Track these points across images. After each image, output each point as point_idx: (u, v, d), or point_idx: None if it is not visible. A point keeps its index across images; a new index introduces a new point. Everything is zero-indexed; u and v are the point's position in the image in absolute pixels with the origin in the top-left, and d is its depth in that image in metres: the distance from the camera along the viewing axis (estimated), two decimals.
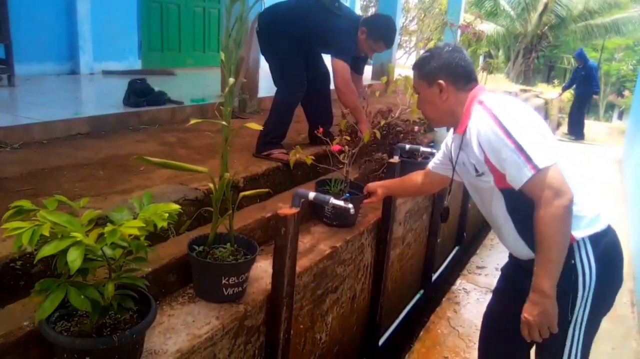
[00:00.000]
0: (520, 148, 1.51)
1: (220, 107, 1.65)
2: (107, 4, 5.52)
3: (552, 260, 1.53)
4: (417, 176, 2.22)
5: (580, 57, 10.65)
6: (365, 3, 16.28)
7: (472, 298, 3.62)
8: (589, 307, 1.61)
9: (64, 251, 1.04)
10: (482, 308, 3.45)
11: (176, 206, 1.21)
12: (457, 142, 1.77)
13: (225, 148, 1.63)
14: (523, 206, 1.61)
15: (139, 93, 3.81)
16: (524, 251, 1.70)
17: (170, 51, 6.82)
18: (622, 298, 3.80)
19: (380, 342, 3.16)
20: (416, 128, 2.88)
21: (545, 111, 9.70)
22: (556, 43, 19.79)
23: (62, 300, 1.15)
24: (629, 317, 3.53)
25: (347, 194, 2.14)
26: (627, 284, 4.03)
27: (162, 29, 6.70)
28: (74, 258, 1.02)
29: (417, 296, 3.83)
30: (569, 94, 12.37)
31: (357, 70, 3.42)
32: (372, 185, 2.30)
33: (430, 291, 3.95)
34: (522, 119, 1.57)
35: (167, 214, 1.17)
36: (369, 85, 6.57)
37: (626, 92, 23.23)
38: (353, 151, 2.31)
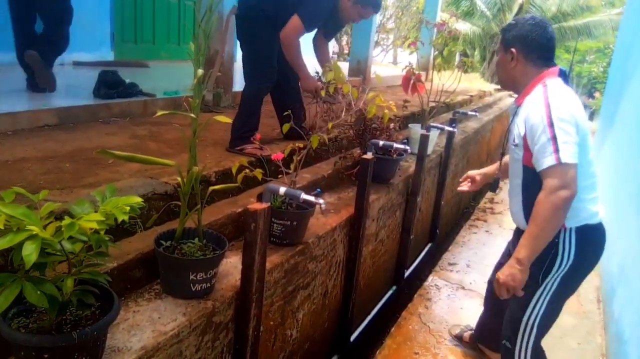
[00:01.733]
0: (555, 139, 1.73)
1: (190, 99, 1.61)
2: None
3: (538, 237, 1.80)
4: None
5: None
6: None
7: (443, 294, 3.65)
8: (558, 281, 1.92)
9: (20, 245, 1.00)
10: (453, 304, 3.54)
11: (138, 199, 1.18)
12: (513, 111, 2.03)
13: (194, 141, 1.60)
14: (534, 186, 1.85)
15: (110, 85, 3.72)
16: (522, 222, 2.01)
17: (144, 43, 6.69)
18: (589, 295, 3.88)
19: (352, 338, 3.16)
20: (392, 125, 2.87)
21: None
22: None
23: (19, 296, 1.11)
24: (595, 313, 3.60)
25: (319, 190, 2.13)
26: (593, 281, 4.12)
27: (136, 20, 6.56)
28: (30, 252, 0.98)
29: (390, 292, 3.85)
30: None
31: (327, 35, 3.41)
32: (471, 173, 2.56)
33: (403, 287, 3.98)
34: (569, 116, 1.77)
35: (128, 208, 1.13)
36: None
37: (597, 94, 23.76)
38: (299, 158, 2.19)
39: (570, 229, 1.88)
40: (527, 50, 1.92)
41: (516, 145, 1.95)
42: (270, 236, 2.26)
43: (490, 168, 2.55)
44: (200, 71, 1.52)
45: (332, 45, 14.80)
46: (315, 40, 3.40)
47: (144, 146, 3.05)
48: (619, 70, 6.98)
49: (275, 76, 3.16)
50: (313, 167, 3.14)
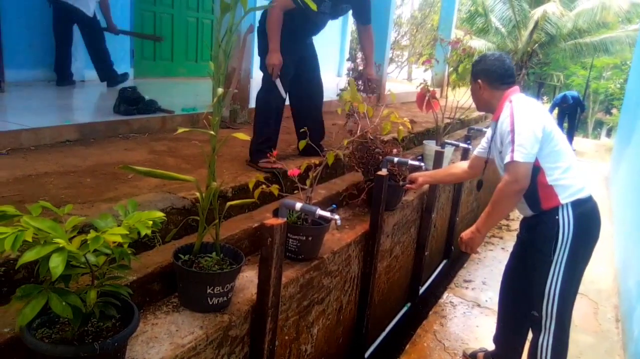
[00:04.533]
0: (513, 142, 2.16)
1: (209, 116, 1.65)
2: (100, 11, 5.51)
3: (492, 215, 2.31)
4: (459, 165, 2.99)
5: (566, 101, 11.08)
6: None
7: (458, 312, 3.62)
8: (567, 252, 2.22)
9: (47, 257, 1.03)
10: (469, 322, 3.51)
11: (160, 214, 1.21)
12: (493, 127, 2.46)
13: (213, 157, 1.64)
14: None
15: (130, 101, 3.80)
16: (526, 210, 2.36)
17: (162, 60, 6.82)
18: (607, 314, 3.83)
19: (367, 354, 3.15)
20: (395, 151, 2.89)
21: None
22: (546, 60, 20.01)
23: (44, 307, 1.14)
24: (614, 332, 3.55)
25: (334, 205, 2.15)
26: (611, 299, 4.06)
27: None
28: (56, 264, 1.01)
29: (405, 309, 3.83)
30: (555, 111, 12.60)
31: (359, 19, 3.45)
32: (414, 174, 2.90)
33: (418, 304, 3.96)
34: (528, 122, 2.18)
35: (151, 222, 1.17)
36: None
37: (614, 111, 23.56)
38: (315, 174, 2.24)
39: (567, 204, 2.22)
40: (490, 79, 2.38)
41: (500, 152, 2.33)
42: (286, 251, 2.29)
43: (439, 172, 3.16)
44: (220, 90, 1.56)
45: (348, 63, 14.95)
46: (357, 31, 3.47)
47: (162, 161, 3.11)
48: (636, 87, 6.93)
49: (286, 90, 3.19)
50: (328, 184, 3.17)
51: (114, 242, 1.11)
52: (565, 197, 2.23)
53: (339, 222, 1.84)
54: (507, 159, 2.18)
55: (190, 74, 7.10)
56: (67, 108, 4.27)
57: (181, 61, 7.04)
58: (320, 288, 2.41)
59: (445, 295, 3.89)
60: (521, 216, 2.54)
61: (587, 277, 4.41)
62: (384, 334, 3.44)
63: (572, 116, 11.36)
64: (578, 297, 4.08)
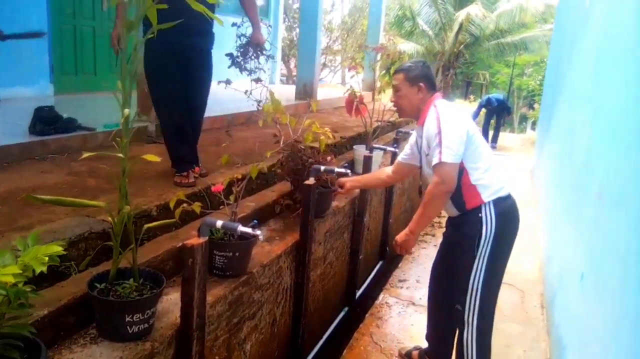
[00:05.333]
0: (440, 144, 2.25)
1: (117, 138, 1.60)
2: (14, 25, 5.21)
3: (423, 216, 2.40)
4: (385, 170, 3.03)
5: (491, 104, 11.65)
6: (289, 24, 16.47)
7: (394, 312, 3.70)
8: (489, 249, 2.32)
9: None
10: (404, 321, 3.59)
11: (58, 248, 1.16)
12: (419, 132, 2.54)
13: (123, 181, 1.59)
14: None
15: (46, 121, 3.62)
16: (452, 210, 2.46)
17: (84, 74, 6.55)
18: (533, 302, 4.02)
19: None
20: (328, 158, 2.92)
21: None
22: (472, 60, 20.87)
23: None
24: (539, 319, 3.73)
25: (255, 221, 2.13)
26: (537, 288, 4.28)
27: (76, 51, 6.44)
28: None
29: (342, 314, 3.87)
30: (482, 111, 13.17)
31: None
32: (342, 179, 2.94)
33: (355, 307, 4.00)
34: (454, 124, 2.29)
35: (47, 258, 1.11)
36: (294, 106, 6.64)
37: (536, 105, 24.87)
38: (239, 189, 2.22)
39: (489, 202, 2.33)
40: (428, 85, 2.48)
41: (427, 155, 2.43)
42: (213, 268, 2.25)
43: (366, 177, 3.21)
44: (127, 111, 1.51)
45: (280, 68, 14.96)
46: None
47: (81, 183, 2.99)
48: (552, 83, 7.35)
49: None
50: (258, 195, 3.15)
51: (8, 282, 1.05)
52: (487, 196, 2.34)
53: (261, 238, 1.83)
54: (435, 160, 2.27)
55: (114, 88, 6.79)
56: None
57: (104, 75, 6.79)
58: (251, 303, 2.39)
59: (381, 296, 3.96)
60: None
61: (514, 267, 4.64)
62: (321, 342, 3.45)
63: (499, 115, 11.93)
64: (505, 287, 4.27)
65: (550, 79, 8.17)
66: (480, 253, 2.34)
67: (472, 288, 2.38)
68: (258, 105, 2.97)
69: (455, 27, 17.66)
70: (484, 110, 12.05)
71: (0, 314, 1.17)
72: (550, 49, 9.81)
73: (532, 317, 3.78)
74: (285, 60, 17.11)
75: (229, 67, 3.43)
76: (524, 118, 27.64)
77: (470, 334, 2.44)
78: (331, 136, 2.63)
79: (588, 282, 2.36)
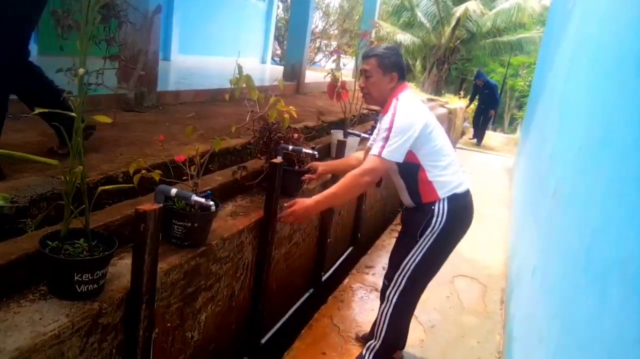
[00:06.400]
0: (387, 139, 2.26)
1: (71, 98, 1.61)
2: None
3: (334, 196, 2.36)
4: (355, 155, 3.01)
5: (480, 77, 11.69)
6: (286, 4, 16.32)
7: (356, 296, 3.76)
8: (433, 239, 2.38)
9: None
10: (365, 306, 3.66)
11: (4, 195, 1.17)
12: (381, 119, 2.48)
13: (76, 140, 1.60)
14: (409, 173, 2.41)
15: None
16: (409, 202, 2.49)
17: (70, 37, 6.47)
18: (494, 296, 4.11)
19: (264, 340, 3.20)
20: (296, 135, 2.94)
21: (448, 120, 10.24)
22: (468, 57, 20.91)
23: None
24: (497, 313, 3.82)
25: (208, 191, 2.15)
26: (500, 283, 4.37)
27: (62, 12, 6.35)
28: None
29: (306, 295, 3.92)
30: (473, 106, 13.25)
31: None
32: (314, 163, 2.93)
33: (320, 290, 4.06)
34: (406, 124, 2.27)
35: None
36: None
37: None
38: (202, 161, 2.22)
39: (443, 198, 2.37)
40: (400, 74, 2.44)
41: (371, 144, 2.48)
42: (172, 237, 2.27)
43: (337, 162, 3.17)
44: (81, 70, 1.52)
45: (275, 48, 14.86)
46: None
47: (51, 143, 2.98)
48: (537, 85, 7.42)
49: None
50: (227, 170, 3.17)
51: None
52: (443, 193, 2.38)
53: (213, 208, 1.85)
54: (374, 151, 2.29)
55: (94, 53, 6.80)
56: None
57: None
58: (208, 275, 2.42)
59: (346, 280, 4.02)
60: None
61: (480, 262, 4.74)
62: (282, 320, 3.50)
63: (485, 109, 11.95)
64: (469, 281, 4.38)
65: (536, 81, 8.24)
66: (423, 241, 2.40)
67: (404, 268, 2.46)
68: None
69: (453, 22, 17.68)
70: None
71: None
72: (540, 50, 9.87)
73: (490, 311, 3.86)
74: (280, 40, 16.98)
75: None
76: (514, 119, 27.83)
77: (386, 310, 2.55)
78: (295, 115, 2.64)
79: (537, 277, 2.43)
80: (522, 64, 25.06)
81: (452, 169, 2.42)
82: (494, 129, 21.38)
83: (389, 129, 2.27)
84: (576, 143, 2.10)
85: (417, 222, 2.42)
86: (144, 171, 1.97)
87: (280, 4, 15.37)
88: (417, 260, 2.43)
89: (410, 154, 2.35)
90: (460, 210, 2.43)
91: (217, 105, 5.35)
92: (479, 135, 12.16)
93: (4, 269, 1.69)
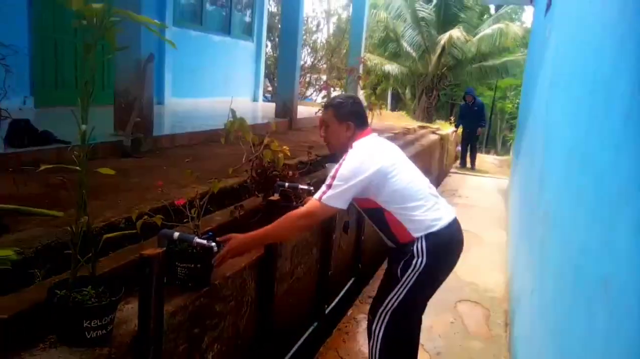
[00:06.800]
0: (329, 186, 2.29)
1: (75, 152, 1.69)
2: None
3: (269, 236, 2.40)
4: None
5: (470, 93, 11.89)
6: (274, 43, 16.68)
7: (361, 327, 3.78)
8: (415, 278, 2.35)
9: None
10: None
11: (9, 252, 1.24)
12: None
13: (81, 192, 1.67)
14: (375, 216, 2.44)
15: (22, 134, 3.69)
16: (387, 241, 2.50)
17: (65, 88, 6.63)
18: (497, 320, 4.14)
19: None
20: (290, 173, 3.03)
21: (441, 146, 10.38)
22: (456, 82, 21.31)
23: None
24: (502, 337, 3.84)
25: (210, 233, 2.22)
26: (502, 306, 4.40)
27: (57, 65, 6.52)
28: None
29: (311, 329, 3.93)
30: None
31: None
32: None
33: (324, 322, 4.07)
34: (352, 174, 2.28)
35: None
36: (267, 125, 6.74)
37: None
38: (202, 203, 2.28)
39: (420, 237, 2.33)
40: (358, 122, 2.49)
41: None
42: (176, 279, 2.32)
43: None
44: (83, 127, 1.61)
45: (266, 85, 15.13)
46: None
47: (54, 194, 3.05)
48: (524, 106, 7.59)
49: None
50: (225, 210, 3.24)
51: None
52: (418, 233, 2.34)
53: (215, 249, 1.92)
54: (316, 195, 2.32)
55: (96, 102, 6.91)
56: None
57: None
58: (213, 314, 2.46)
59: (350, 312, 4.05)
60: None
61: (482, 285, 4.77)
62: (289, 355, 3.51)
63: (472, 131, 12.03)
64: (472, 305, 4.40)
65: (522, 103, 8.43)
66: (405, 279, 2.37)
67: (387, 304, 2.44)
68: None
69: (438, 50, 18.09)
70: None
71: None
72: (524, 74, 10.11)
73: (495, 335, 3.89)
74: (271, 78, 17.31)
75: None
76: (506, 140, 28.15)
77: (375, 347, 2.52)
78: (289, 154, 2.74)
79: (534, 299, 2.48)
80: (509, 86, 25.51)
81: (424, 208, 2.37)
82: (487, 151, 21.65)
83: (333, 177, 2.30)
84: (560, 166, 2.19)
85: (398, 262, 2.39)
86: (146, 217, 2.04)
87: (269, 43, 15.73)
88: (400, 296, 2.40)
89: (369, 200, 2.37)
90: (442, 247, 2.38)
91: (212, 146, 5.46)
92: (471, 158, 12.21)
93: (15, 320, 1.74)
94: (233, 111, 2.32)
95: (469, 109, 11.93)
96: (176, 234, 1.91)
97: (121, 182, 3.42)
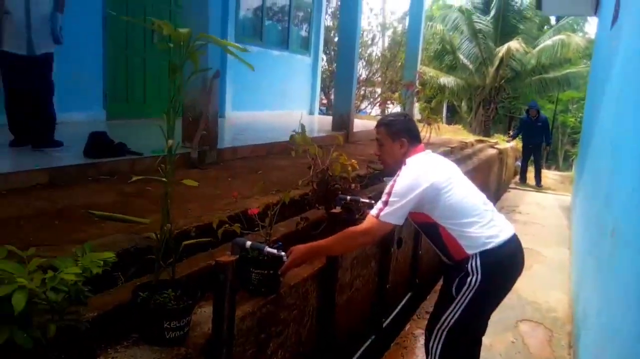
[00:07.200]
0: (386, 203, 2.31)
1: (162, 165, 1.83)
2: (71, 54, 5.66)
3: (326, 248, 2.45)
4: None
5: (534, 107, 11.50)
6: (329, 56, 16.89)
7: (419, 342, 3.77)
8: (470, 296, 2.31)
9: (9, 295, 1.18)
10: None
11: (110, 254, 1.37)
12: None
13: (166, 202, 1.80)
14: (430, 232, 2.43)
15: (99, 145, 3.96)
16: (442, 257, 2.47)
17: (134, 102, 7.01)
18: (561, 341, 4.01)
19: None
20: (353, 185, 3.09)
21: (499, 160, 10.17)
22: (515, 95, 20.80)
23: (10, 341, 1.27)
24: (565, 358, 3.73)
25: (280, 243, 2.31)
26: (566, 327, 4.26)
27: (127, 80, 6.92)
28: (18, 301, 1.16)
29: (368, 342, 3.96)
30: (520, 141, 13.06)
31: None
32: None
33: (382, 336, 4.09)
34: (407, 189, 2.29)
35: (102, 262, 1.32)
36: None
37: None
38: (273, 213, 2.38)
39: (474, 254, 2.29)
40: (411, 138, 2.50)
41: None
42: (250, 284, 2.43)
43: None
44: (170, 141, 1.73)
45: (321, 98, 15.35)
46: None
47: (129, 203, 3.25)
48: (589, 120, 7.34)
49: None
50: (288, 221, 3.34)
51: (70, 280, 1.26)
52: (472, 249, 2.31)
53: (284, 258, 2.01)
54: (373, 212, 2.34)
55: (161, 115, 7.29)
56: (38, 152, 4.39)
57: (153, 102, 7.23)
58: (278, 322, 2.55)
59: (407, 326, 4.05)
60: None
61: (544, 305, 4.64)
62: None
63: (538, 147, 11.68)
64: (534, 326, 4.30)
65: (586, 117, 8.15)
66: (460, 298, 2.35)
67: (443, 322, 2.41)
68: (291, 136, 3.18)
69: (496, 62, 17.75)
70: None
71: (62, 309, 1.38)
72: (587, 86, 9.78)
73: (558, 356, 3.78)
74: (326, 91, 17.51)
75: None
76: (568, 155, 27.14)
77: None
78: (357, 167, 2.80)
79: (602, 320, 2.41)
80: (571, 99, 24.64)
81: (478, 224, 2.33)
82: (548, 167, 20.92)
83: (389, 193, 2.32)
84: (628, 183, 2.14)
85: (452, 279, 2.37)
86: (226, 225, 2.16)
87: (324, 56, 15.98)
88: (456, 315, 2.37)
89: (423, 215, 2.37)
90: (498, 265, 2.33)
91: (271, 158, 5.62)
92: (536, 176, 11.66)
93: (103, 317, 1.88)
94: (303, 126, 2.42)
95: (531, 123, 11.48)
96: (248, 242, 2.02)
97: (189, 192, 3.58)
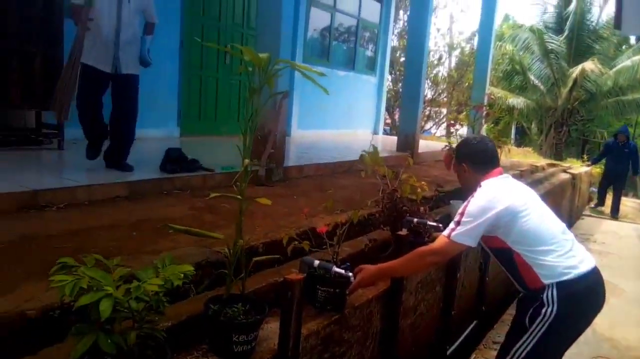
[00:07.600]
0: (458, 223, 2.28)
1: (236, 182, 1.89)
2: (151, 74, 5.98)
3: (399, 270, 2.50)
4: None
5: (624, 132, 10.87)
6: (395, 76, 16.88)
7: None
8: (545, 328, 2.20)
9: (97, 302, 1.25)
10: None
11: (190, 268, 1.43)
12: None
13: (240, 218, 1.86)
14: (503, 258, 2.37)
15: (174, 161, 4.14)
16: (515, 285, 2.37)
17: (207, 119, 7.30)
18: None
19: None
20: (422, 208, 3.06)
21: (572, 186, 9.71)
22: (589, 117, 19.88)
23: (94, 346, 1.35)
24: None
25: (348, 264, 2.31)
26: None
27: (201, 99, 7.22)
28: (105, 308, 1.23)
29: None
30: (599, 169, 12.41)
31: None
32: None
33: None
34: (480, 211, 2.25)
35: (182, 275, 1.38)
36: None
37: None
38: (342, 232, 2.40)
39: (551, 284, 2.20)
40: (473, 163, 2.48)
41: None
42: (316, 301, 2.45)
43: None
44: (246, 161, 1.79)
45: (385, 117, 15.34)
46: None
47: (200, 217, 3.37)
48: None
49: None
50: (354, 241, 3.33)
51: (152, 291, 1.33)
52: (548, 279, 2.22)
53: (351, 279, 2.01)
54: (445, 231, 2.32)
55: (232, 132, 7.54)
56: None
57: (224, 120, 7.50)
58: (341, 342, 2.54)
59: (472, 356, 3.91)
60: None
61: (622, 342, 4.36)
62: None
63: (622, 175, 11.01)
64: None
65: None
66: (533, 330, 2.24)
67: (513, 355, 2.30)
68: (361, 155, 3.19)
69: (569, 83, 17.07)
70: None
71: (142, 318, 1.44)
72: None
73: None
74: (390, 111, 17.48)
75: None
76: None
77: None
78: (427, 189, 2.77)
79: None
80: None
81: (555, 253, 2.24)
82: (625, 194, 19.70)
83: (462, 214, 2.29)
84: None
85: (526, 309, 2.27)
86: (295, 242, 2.19)
87: (390, 77, 16.00)
88: (528, 348, 2.26)
89: (497, 240, 2.31)
90: (576, 298, 2.21)
91: (336, 177, 5.66)
92: (614, 204, 11.00)
93: (176, 327, 1.95)
94: (375, 147, 2.44)
95: (618, 149, 10.81)
96: (316, 262, 2.04)
97: (256, 209, 3.67)
